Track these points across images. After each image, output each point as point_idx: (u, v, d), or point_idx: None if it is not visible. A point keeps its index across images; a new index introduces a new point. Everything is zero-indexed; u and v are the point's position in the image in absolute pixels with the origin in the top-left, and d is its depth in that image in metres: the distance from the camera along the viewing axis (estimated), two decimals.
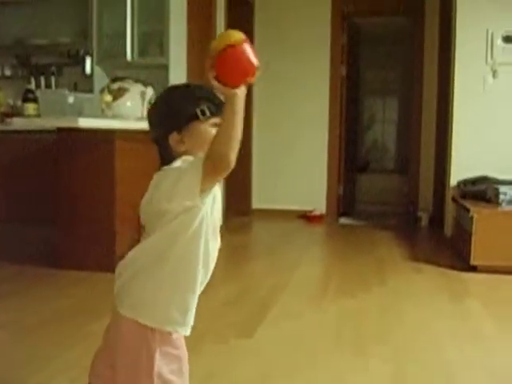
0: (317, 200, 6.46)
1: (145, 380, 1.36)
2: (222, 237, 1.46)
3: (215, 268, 1.57)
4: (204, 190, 1.28)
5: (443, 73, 5.78)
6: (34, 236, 4.41)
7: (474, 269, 3.90)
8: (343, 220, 6.44)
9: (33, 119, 4.19)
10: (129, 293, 1.39)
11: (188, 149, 1.37)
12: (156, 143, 1.43)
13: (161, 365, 1.37)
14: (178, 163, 1.34)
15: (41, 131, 4.09)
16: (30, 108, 4.64)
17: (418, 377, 2.18)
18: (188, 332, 1.42)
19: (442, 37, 6.06)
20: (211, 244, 1.40)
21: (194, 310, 1.42)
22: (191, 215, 1.31)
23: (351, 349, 2.47)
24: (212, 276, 1.52)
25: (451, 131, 4.94)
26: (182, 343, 1.46)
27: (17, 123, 3.85)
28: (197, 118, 1.36)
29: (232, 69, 1.21)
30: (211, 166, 1.25)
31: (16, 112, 4.89)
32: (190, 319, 1.41)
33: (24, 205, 4.37)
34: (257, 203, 6.64)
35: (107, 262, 3.64)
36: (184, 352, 1.46)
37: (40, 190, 4.27)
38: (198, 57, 5.07)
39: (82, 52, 5.28)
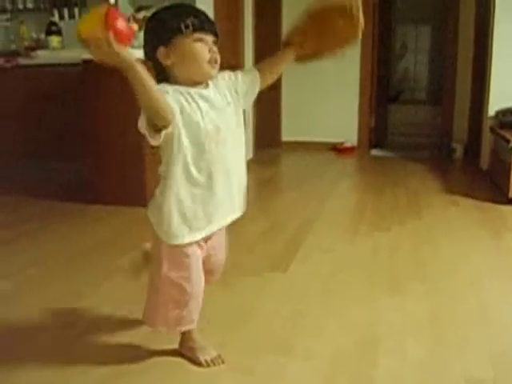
0: (348, 132, 6.31)
1: (157, 280, 1.63)
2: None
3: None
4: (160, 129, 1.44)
5: None
6: (61, 172, 4.39)
7: None
8: (375, 152, 6.29)
9: (57, 52, 4.10)
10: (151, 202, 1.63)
11: (175, 62, 1.51)
12: (148, 59, 1.55)
13: (169, 270, 1.59)
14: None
15: (66, 64, 4.00)
16: (54, 40, 4.53)
17: (454, 315, 2.12)
18: (199, 236, 1.60)
19: None
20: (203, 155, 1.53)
21: (199, 219, 1.58)
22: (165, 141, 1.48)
23: (386, 286, 2.41)
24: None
25: (491, 59, 4.69)
26: (194, 251, 1.61)
27: (41, 56, 3.77)
28: (180, 32, 1.47)
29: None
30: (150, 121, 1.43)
31: (40, 45, 4.79)
32: (196, 225, 1.58)
33: (50, 140, 4.32)
34: (286, 135, 6.52)
35: (137, 196, 3.61)
36: (195, 259, 1.62)
37: (66, 124, 4.22)
38: None
39: None
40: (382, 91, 6.87)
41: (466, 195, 4.08)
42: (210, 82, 1.58)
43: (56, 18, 5.05)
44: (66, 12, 5.22)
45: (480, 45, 5.47)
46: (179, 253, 1.59)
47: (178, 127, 1.47)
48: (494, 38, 4.64)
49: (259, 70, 1.67)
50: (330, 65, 6.23)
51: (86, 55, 3.48)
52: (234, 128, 1.61)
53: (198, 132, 1.51)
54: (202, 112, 1.52)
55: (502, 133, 4.17)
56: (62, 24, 4.60)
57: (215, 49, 1.52)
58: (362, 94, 6.29)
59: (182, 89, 1.51)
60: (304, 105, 6.42)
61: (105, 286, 2.38)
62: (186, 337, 1.76)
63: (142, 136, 1.50)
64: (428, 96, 9.25)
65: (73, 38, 4.21)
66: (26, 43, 4.93)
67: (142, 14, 3.74)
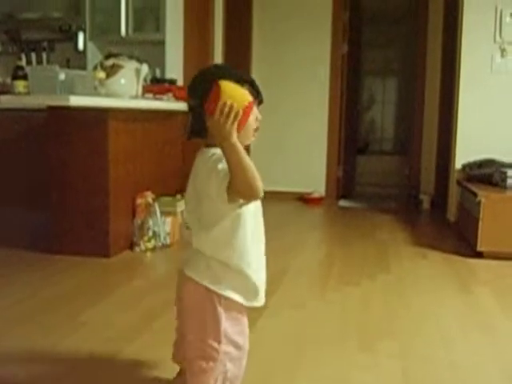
0: (316, 182, 6.32)
1: (212, 340, 1.51)
2: None
3: None
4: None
5: (448, 51, 5.61)
6: (22, 220, 4.25)
7: (480, 255, 3.78)
8: (343, 202, 6.30)
9: (22, 97, 4.00)
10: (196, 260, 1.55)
11: None
12: (192, 111, 1.54)
13: (227, 326, 1.53)
14: (215, 164, 1.43)
15: (31, 110, 3.91)
16: (20, 85, 4.43)
17: (427, 373, 2.06)
18: (255, 304, 1.63)
19: (447, 13, 5.89)
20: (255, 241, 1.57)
21: (257, 290, 1.60)
22: (233, 218, 1.49)
23: (357, 343, 2.34)
24: None
25: (457, 112, 4.77)
26: (245, 309, 1.64)
27: (5, 101, 3.67)
28: None
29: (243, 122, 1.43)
30: (241, 196, 1.41)
31: (5, 90, 4.70)
32: (253, 296, 1.60)
33: (12, 187, 4.19)
34: None
35: (101, 247, 3.51)
36: (246, 318, 1.65)
37: (29, 171, 4.10)
38: (195, 33, 4.89)
39: (74, 27, 5.09)
40: (350, 142, 6.92)
41: (434, 247, 4.07)
42: None
43: (23, 63, 4.97)
44: (33, 57, 5.17)
45: (446, 97, 5.58)
46: (234, 307, 1.57)
47: None
48: (460, 91, 4.72)
49: None
50: (300, 115, 6.30)
51: (51, 101, 3.41)
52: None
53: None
54: None
55: (469, 186, 4.20)
56: (27, 69, 4.52)
57: (260, 117, 1.60)
58: (330, 145, 6.33)
59: None
60: (272, 154, 6.42)
61: (64, 344, 2.26)
62: None
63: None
64: (395, 147, 9.37)
65: (38, 82, 4.12)
66: None
67: (110, 62, 3.70)
